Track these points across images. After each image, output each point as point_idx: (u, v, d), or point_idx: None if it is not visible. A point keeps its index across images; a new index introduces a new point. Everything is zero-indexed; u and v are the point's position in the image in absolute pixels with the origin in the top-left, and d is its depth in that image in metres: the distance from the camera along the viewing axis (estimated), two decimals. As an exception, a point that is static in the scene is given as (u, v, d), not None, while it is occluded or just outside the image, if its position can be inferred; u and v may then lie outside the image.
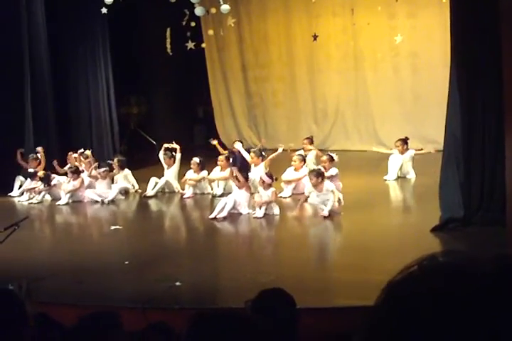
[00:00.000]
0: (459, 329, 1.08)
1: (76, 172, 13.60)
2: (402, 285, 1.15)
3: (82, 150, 14.50)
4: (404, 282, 1.15)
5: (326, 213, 11.21)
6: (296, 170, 13.41)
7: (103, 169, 13.76)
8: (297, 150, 14.39)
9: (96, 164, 13.97)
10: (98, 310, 4.50)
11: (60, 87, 16.38)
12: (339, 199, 11.53)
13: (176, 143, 14.36)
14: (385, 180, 14.36)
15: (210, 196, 13.45)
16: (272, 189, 11.78)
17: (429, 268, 1.15)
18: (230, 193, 12.29)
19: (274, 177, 12.05)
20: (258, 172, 12.90)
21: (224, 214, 11.50)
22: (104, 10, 15.20)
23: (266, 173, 12.11)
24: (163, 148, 14.41)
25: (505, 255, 1.16)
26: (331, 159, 13.05)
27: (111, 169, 13.94)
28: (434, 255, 1.18)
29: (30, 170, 14.04)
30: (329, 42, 19.67)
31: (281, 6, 20.02)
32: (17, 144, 14.70)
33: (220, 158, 13.67)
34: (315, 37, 19.22)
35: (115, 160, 14.33)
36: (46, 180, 13.63)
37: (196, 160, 13.78)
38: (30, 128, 15.00)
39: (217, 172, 13.59)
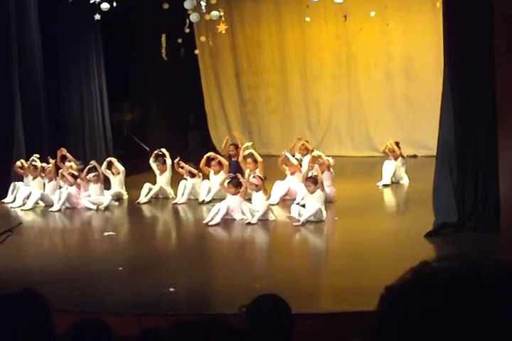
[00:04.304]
0: (459, 333, 1.09)
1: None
2: (399, 290, 1.16)
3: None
4: (400, 287, 1.16)
5: (299, 222, 11.18)
6: (292, 174, 13.44)
7: (92, 174, 13.69)
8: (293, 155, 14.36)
9: (87, 168, 13.91)
10: (86, 317, 4.47)
11: (52, 93, 16.35)
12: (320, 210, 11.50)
13: (169, 150, 14.37)
14: (378, 186, 14.36)
15: (198, 203, 13.41)
16: (254, 179, 11.88)
17: (423, 273, 1.16)
18: (223, 199, 12.30)
19: (263, 177, 12.15)
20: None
21: (217, 220, 11.50)
22: (97, 16, 15.19)
23: (253, 176, 12.13)
24: (153, 155, 14.43)
25: (503, 262, 1.16)
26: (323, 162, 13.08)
27: (99, 173, 13.80)
28: (428, 261, 1.18)
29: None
30: (322, 49, 19.73)
31: (274, 13, 20.07)
32: (9, 151, 14.69)
33: (213, 163, 13.68)
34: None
35: (112, 167, 14.24)
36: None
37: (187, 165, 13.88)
38: (22, 135, 14.98)
39: (211, 177, 13.61)
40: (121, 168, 14.19)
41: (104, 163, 14.17)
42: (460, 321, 1.10)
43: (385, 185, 14.37)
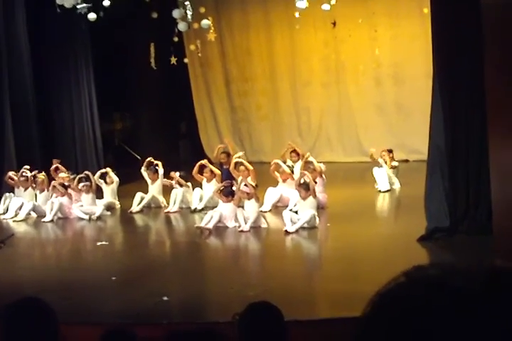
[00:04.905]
0: (447, 338, 1.08)
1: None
2: (390, 295, 1.16)
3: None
4: (392, 292, 1.16)
5: (292, 229, 11.16)
6: (284, 181, 13.43)
7: (83, 184, 13.67)
8: (284, 162, 14.35)
9: (77, 178, 13.90)
10: (113, 328, 4.46)
11: (43, 104, 16.35)
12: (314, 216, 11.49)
13: (161, 158, 14.37)
14: (378, 189, 14.31)
15: (190, 211, 13.39)
16: (246, 188, 11.88)
17: (416, 278, 1.15)
18: (215, 207, 12.29)
19: (255, 185, 12.19)
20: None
21: (210, 226, 11.49)
22: (83, 26, 15.16)
23: (245, 184, 12.12)
24: (145, 164, 14.41)
25: (497, 268, 1.16)
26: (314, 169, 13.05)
27: (91, 183, 13.77)
28: (421, 266, 1.18)
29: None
30: (311, 56, 19.76)
31: (263, 21, 20.11)
32: (0, 163, 14.69)
33: (206, 170, 13.69)
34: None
35: (106, 176, 14.23)
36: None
37: (176, 174, 13.87)
38: (12, 147, 14.95)
39: (204, 185, 13.61)
40: (115, 178, 14.19)
41: (98, 173, 14.15)
42: (448, 328, 1.10)
43: (386, 191, 14.35)
